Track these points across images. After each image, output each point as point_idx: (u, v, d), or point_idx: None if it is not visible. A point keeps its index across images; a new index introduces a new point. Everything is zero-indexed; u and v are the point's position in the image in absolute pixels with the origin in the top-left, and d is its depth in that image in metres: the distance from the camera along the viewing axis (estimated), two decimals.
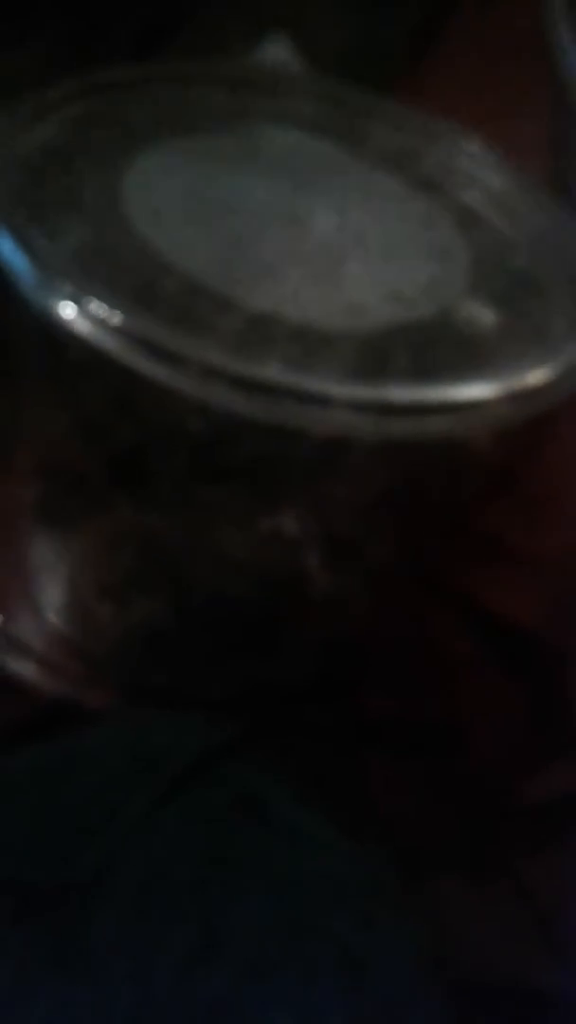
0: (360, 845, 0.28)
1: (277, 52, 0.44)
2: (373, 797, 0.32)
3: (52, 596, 0.36)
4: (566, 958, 0.31)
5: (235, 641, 0.35)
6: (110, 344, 0.29)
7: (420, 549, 0.34)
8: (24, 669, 0.35)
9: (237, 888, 0.26)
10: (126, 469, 0.32)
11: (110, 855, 0.26)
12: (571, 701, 0.34)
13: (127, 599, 0.35)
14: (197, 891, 0.26)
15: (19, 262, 0.29)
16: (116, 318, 0.29)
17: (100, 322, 0.29)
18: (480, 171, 0.36)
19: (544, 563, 0.35)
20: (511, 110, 0.42)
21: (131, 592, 0.35)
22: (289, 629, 0.35)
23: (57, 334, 0.29)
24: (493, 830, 0.32)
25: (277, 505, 0.32)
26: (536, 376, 0.31)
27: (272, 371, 0.29)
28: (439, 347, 0.31)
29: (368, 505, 0.32)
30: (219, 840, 0.27)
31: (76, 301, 0.29)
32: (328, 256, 0.33)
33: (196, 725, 0.30)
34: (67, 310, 0.29)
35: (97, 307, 0.29)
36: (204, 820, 0.27)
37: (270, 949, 0.25)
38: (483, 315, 0.32)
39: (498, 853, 0.32)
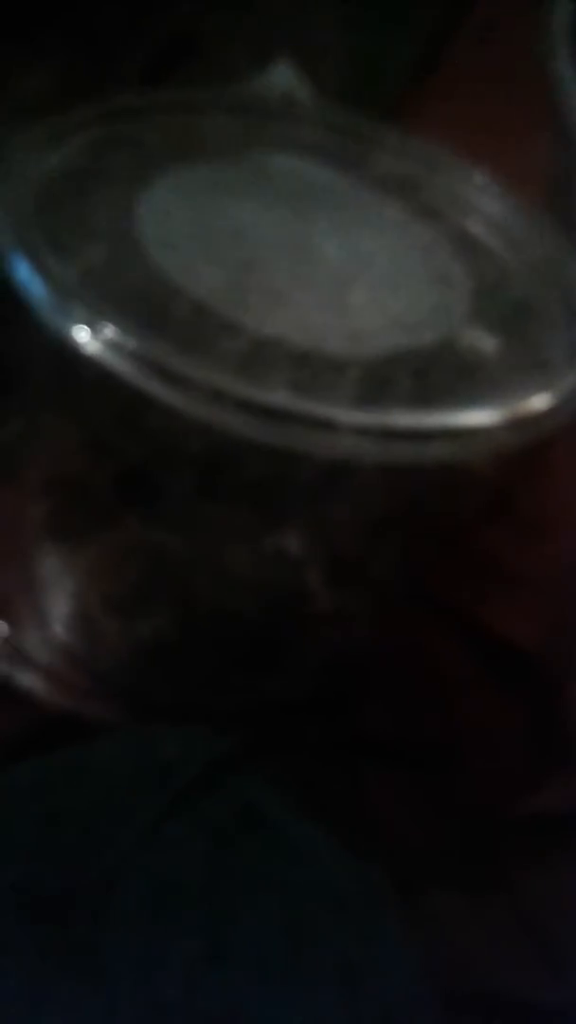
0: (358, 858, 0.29)
1: (282, 78, 0.45)
2: (371, 811, 0.33)
3: (58, 609, 0.36)
4: (560, 971, 0.31)
5: (238, 657, 0.35)
6: (121, 366, 0.29)
7: (420, 569, 0.35)
8: (29, 680, 0.35)
9: (241, 899, 0.27)
10: (134, 487, 0.32)
11: (119, 864, 0.27)
12: (567, 719, 0.35)
13: (132, 614, 0.35)
14: (203, 900, 0.27)
15: (34, 285, 0.30)
16: (128, 341, 0.29)
17: (112, 345, 0.29)
18: (481, 200, 0.37)
19: (541, 583, 0.36)
20: (510, 137, 0.42)
21: (136, 607, 0.35)
22: (291, 645, 0.36)
23: (70, 356, 0.30)
24: (489, 845, 0.33)
25: (281, 525, 0.33)
26: (535, 403, 0.31)
27: (278, 395, 0.30)
28: (441, 373, 0.32)
29: (370, 526, 0.33)
30: (224, 851, 0.28)
31: (89, 324, 0.29)
32: (333, 283, 0.33)
33: (201, 738, 0.31)
34: (80, 333, 0.30)
35: (110, 330, 0.29)
36: (209, 831, 0.28)
37: (272, 958, 0.26)
38: (484, 342, 0.33)
39: (494, 868, 0.33)
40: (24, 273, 0.30)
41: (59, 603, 0.36)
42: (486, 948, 0.31)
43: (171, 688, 0.36)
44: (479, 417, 0.31)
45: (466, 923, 0.31)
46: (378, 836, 0.32)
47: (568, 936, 0.32)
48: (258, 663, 0.36)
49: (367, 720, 0.35)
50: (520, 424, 0.31)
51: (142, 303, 0.30)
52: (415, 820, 0.33)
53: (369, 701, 0.35)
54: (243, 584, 0.34)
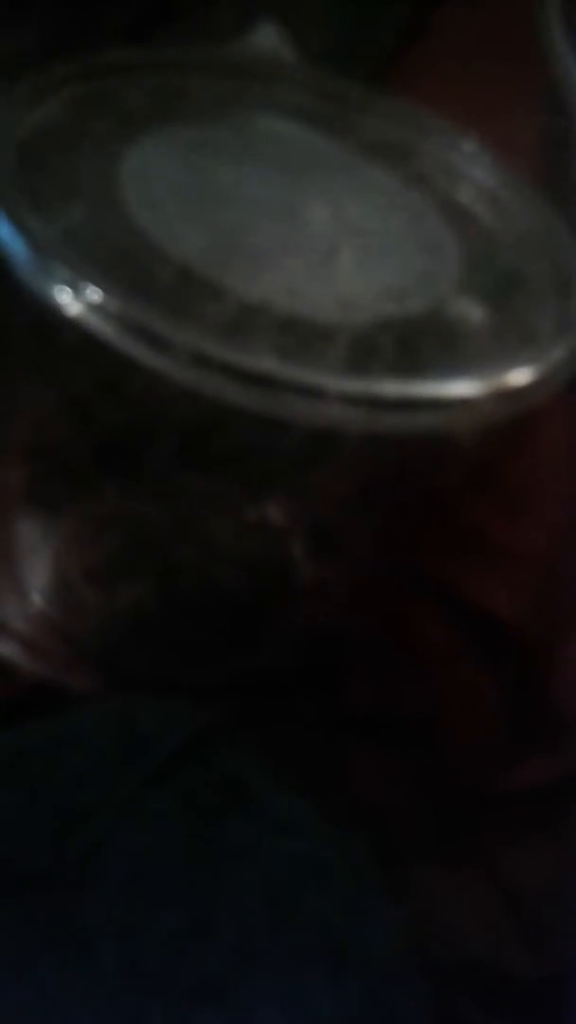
0: (342, 831, 0.29)
1: (267, 39, 0.44)
2: (353, 785, 0.32)
3: (38, 578, 0.36)
4: (535, 942, 0.31)
5: (219, 628, 0.35)
6: (103, 329, 0.29)
7: (402, 541, 0.35)
8: (7, 650, 0.35)
9: (224, 872, 0.27)
10: (115, 454, 0.32)
11: (100, 837, 0.27)
12: (547, 693, 0.35)
13: (112, 583, 0.35)
14: (186, 874, 0.26)
15: (15, 245, 0.29)
16: (110, 303, 0.29)
17: (94, 307, 0.29)
18: (472, 168, 0.36)
19: (524, 557, 0.36)
20: (498, 103, 0.42)
21: (116, 577, 0.35)
22: (272, 618, 0.36)
23: (51, 318, 0.29)
24: (468, 819, 0.33)
25: (263, 494, 0.32)
26: (522, 375, 0.31)
27: (264, 361, 0.29)
28: (429, 343, 0.31)
29: (353, 496, 0.33)
30: (207, 824, 0.27)
31: (71, 286, 0.29)
32: (321, 248, 0.33)
33: (183, 710, 0.30)
34: (62, 294, 0.29)
35: (92, 292, 0.29)
36: (192, 804, 0.28)
37: (257, 933, 0.26)
38: (473, 312, 0.32)
39: (472, 841, 0.33)
40: (5, 232, 0.29)
41: (38, 572, 0.36)
42: (463, 920, 0.32)
43: (152, 659, 0.36)
44: (465, 388, 0.30)
45: (444, 895, 0.31)
46: (359, 809, 0.32)
47: (544, 909, 0.32)
48: (240, 635, 0.35)
49: (350, 693, 0.35)
50: (506, 396, 0.31)
51: (125, 264, 0.30)
52: (397, 793, 0.33)
53: (350, 674, 0.35)
54: (225, 555, 0.33)
